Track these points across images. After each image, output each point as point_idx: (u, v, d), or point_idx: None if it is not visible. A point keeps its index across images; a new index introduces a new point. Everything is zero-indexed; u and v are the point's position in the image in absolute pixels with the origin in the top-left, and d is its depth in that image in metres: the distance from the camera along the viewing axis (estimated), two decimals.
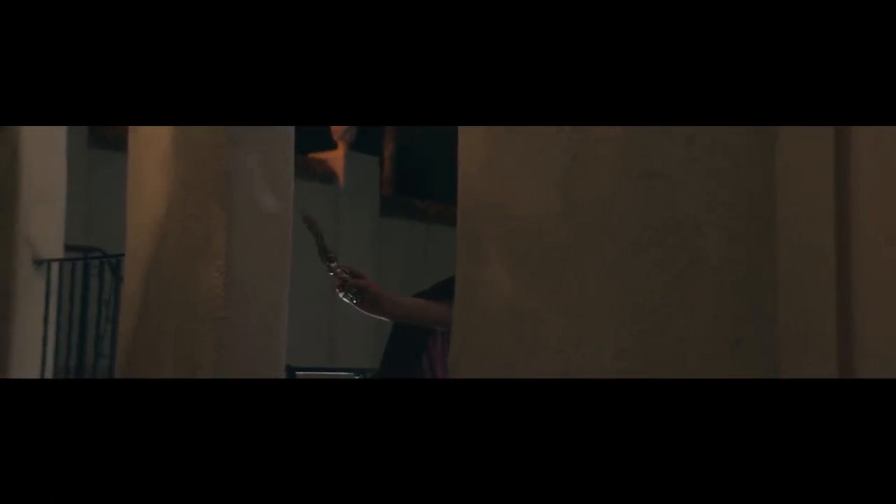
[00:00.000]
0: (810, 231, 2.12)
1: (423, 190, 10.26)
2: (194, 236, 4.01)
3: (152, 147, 4.21)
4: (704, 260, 2.30)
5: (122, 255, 4.37)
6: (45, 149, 5.71)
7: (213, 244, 3.96)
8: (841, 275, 2.06)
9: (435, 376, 3.12)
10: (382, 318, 3.16)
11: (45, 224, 5.69)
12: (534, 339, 2.46)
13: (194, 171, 4.06)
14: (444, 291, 3.00)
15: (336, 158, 9.52)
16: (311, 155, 9.40)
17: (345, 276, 3.05)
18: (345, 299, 3.09)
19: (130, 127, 4.35)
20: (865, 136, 2.08)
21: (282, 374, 4.11)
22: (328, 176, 9.41)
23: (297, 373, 4.86)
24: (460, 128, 2.68)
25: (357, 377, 4.73)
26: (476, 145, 2.64)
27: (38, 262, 5.65)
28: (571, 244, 2.44)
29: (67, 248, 5.88)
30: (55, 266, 5.70)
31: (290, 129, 4.16)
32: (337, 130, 9.49)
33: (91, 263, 5.78)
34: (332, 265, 3.06)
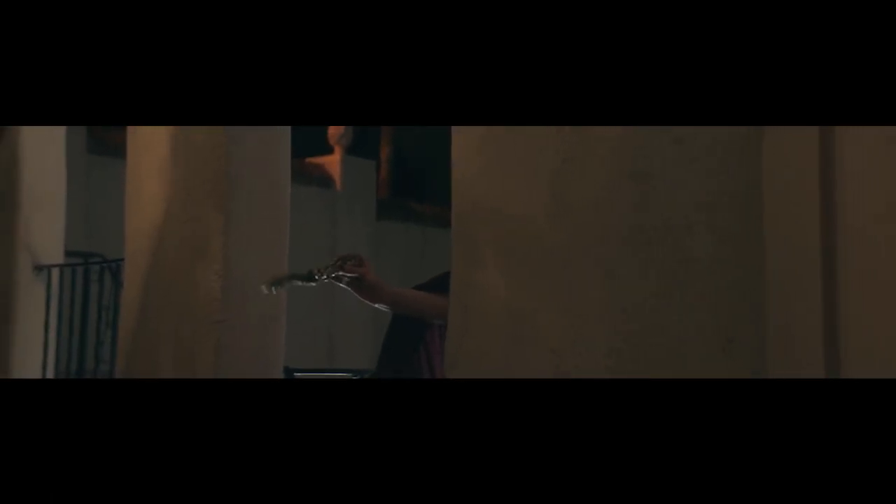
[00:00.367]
0: (796, 230, 2.13)
1: (419, 193, 10.29)
2: (192, 240, 4.02)
3: (150, 152, 4.21)
4: (695, 260, 2.32)
5: (122, 260, 4.37)
6: (44, 155, 5.69)
7: (210, 247, 3.96)
8: (826, 273, 2.07)
9: (432, 370, 3.15)
10: (380, 308, 3.20)
11: (44, 230, 5.67)
12: (529, 339, 2.47)
13: (192, 176, 4.06)
14: (441, 285, 3.03)
15: (332, 163, 9.52)
16: (308, 160, 9.42)
17: (338, 270, 3.08)
18: (341, 284, 3.12)
19: (129, 132, 4.35)
20: (849, 136, 2.09)
21: (280, 376, 4.12)
22: (325, 180, 9.42)
23: (296, 374, 4.87)
24: (453, 131, 2.70)
25: (355, 378, 4.74)
26: (469, 148, 2.66)
27: (39, 268, 5.63)
28: (564, 245, 2.46)
29: (67, 253, 5.86)
30: (55, 272, 5.68)
31: (287, 133, 4.17)
32: (333, 135, 9.50)
33: (91, 269, 5.76)
34: (319, 277, 3.07)
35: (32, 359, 5.56)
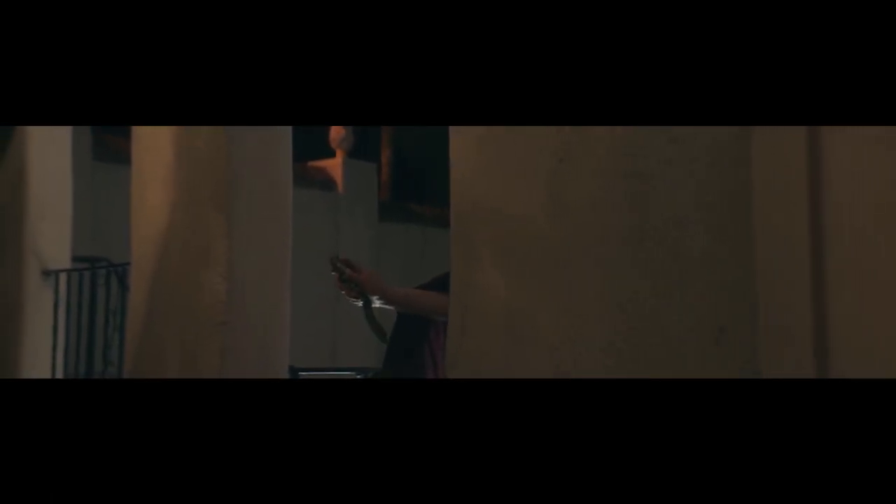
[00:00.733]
0: (785, 227, 2.15)
1: (419, 194, 10.31)
2: (196, 244, 4.05)
3: (154, 158, 4.24)
4: (689, 256, 2.34)
5: (129, 263, 4.39)
6: (50, 163, 5.71)
7: (214, 250, 3.99)
8: (815, 268, 2.09)
9: (437, 366, 3.20)
10: (384, 307, 3.26)
11: (52, 236, 5.69)
12: (528, 337, 2.49)
13: (194, 180, 4.09)
14: (442, 285, 3.07)
15: (334, 166, 9.55)
16: (311, 163, 9.45)
17: (345, 270, 3.16)
18: (349, 297, 3.22)
19: (133, 140, 4.37)
20: (837, 136, 2.10)
21: (285, 376, 4.14)
22: (327, 183, 9.46)
23: (300, 373, 4.88)
24: (452, 131, 2.70)
25: (359, 377, 4.75)
26: (468, 149, 2.67)
27: (47, 273, 5.66)
28: (562, 243, 2.47)
29: (74, 258, 5.89)
30: (63, 276, 5.71)
31: (287, 135, 4.19)
32: (335, 139, 9.53)
33: (98, 273, 5.77)
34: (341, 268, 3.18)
35: (42, 361, 5.58)
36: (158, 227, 4.19)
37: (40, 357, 5.60)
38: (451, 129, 2.71)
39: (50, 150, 5.73)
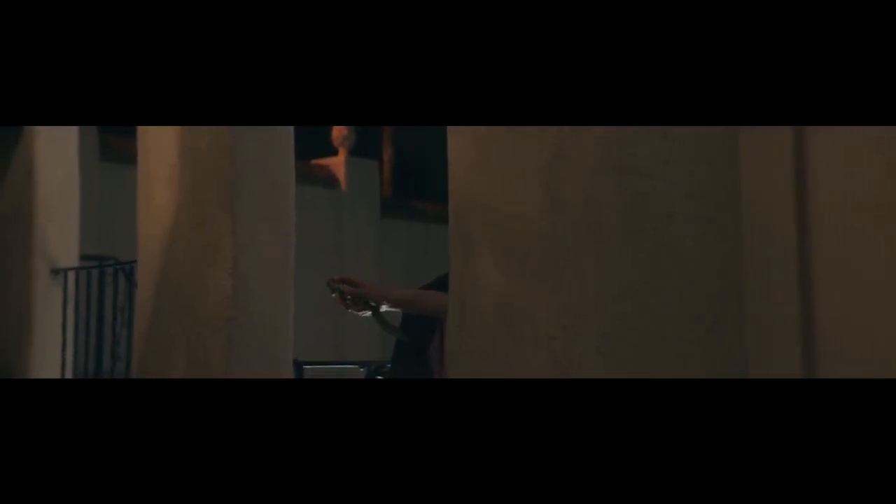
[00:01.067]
0: (773, 225, 2.17)
1: (421, 191, 10.32)
2: (202, 242, 4.10)
3: (159, 159, 4.28)
4: (680, 248, 2.39)
5: (136, 261, 4.42)
6: (58, 164, 5.74)
7: (219, 248, 4.04)
8: (801, 264, 2.12)
9: (442, 364, 3.25)
10: (391, 310, 3.31)
11: (60, 235, 5.71)
12: (525, 328, 2.51)
13: (199, 181, 4.14)
14: (444, 284, 3.07)
15: (337, 164, 9.57)
16: (314, 161, 9.47)
17: (344, 289, 3.22)
18: (357, 312, 3.27)
19: (139, 140, 4.40)
20: (822, 135, 2.13)
21: (290, 370, 4.18)
22: (330, 181, 9.48)
23: (305, 367, 4.90)
24: (449, 131, 2.72)
25: (363, 369, 4.78)
26: (465, 148, 2.69)
27: (55, 272, 5.69)
28: (558, 238, 2.50)
29: (82, 257, 5.91)
30: (71, 274, 5.73)
31: (289, 134, 4.22)
32: (337, 137, 9.56)
33: (106, 271, 5.81)
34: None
35: (51, 358, 5.62)
36: (164, 226, 4.23)
37: (50, 353, 5.63)
38: (449, 128, 2.73)
39: (57, 151, 5.75)
